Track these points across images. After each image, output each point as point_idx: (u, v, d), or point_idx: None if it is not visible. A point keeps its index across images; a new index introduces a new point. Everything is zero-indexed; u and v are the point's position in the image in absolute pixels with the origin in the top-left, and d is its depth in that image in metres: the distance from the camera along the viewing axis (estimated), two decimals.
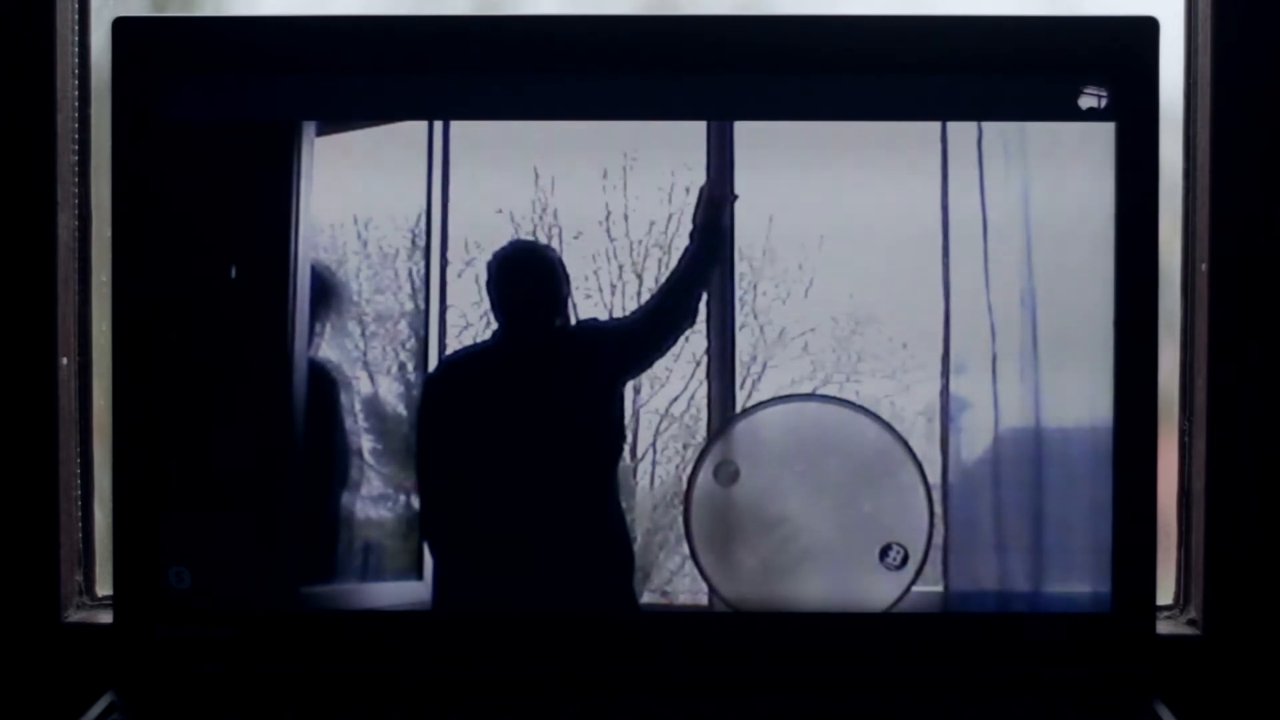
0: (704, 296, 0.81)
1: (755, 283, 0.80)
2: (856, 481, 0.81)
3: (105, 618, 0.85)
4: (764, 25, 0.81)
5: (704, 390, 0.81)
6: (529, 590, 0.81)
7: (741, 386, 0.81)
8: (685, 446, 0.81)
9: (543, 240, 0.81)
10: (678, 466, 0.81)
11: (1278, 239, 0.84)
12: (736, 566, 0.81)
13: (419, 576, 0.82)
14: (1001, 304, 0.80)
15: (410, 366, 0.82)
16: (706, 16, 0.83)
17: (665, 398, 0.81)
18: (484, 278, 0.81)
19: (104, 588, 0.89)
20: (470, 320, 0.81)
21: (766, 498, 0.81)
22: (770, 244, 0.80)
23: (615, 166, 0.80)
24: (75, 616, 0.87)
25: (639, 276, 0.81)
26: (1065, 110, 0.79)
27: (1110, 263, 0.79)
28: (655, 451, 0.81)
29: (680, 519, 0.81)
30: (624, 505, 0.81)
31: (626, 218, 0.81)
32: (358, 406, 0.82)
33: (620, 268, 0.81)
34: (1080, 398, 0.80)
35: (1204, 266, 0.85)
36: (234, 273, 0.80)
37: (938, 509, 0.81)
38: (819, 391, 0.81)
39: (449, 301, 0.81)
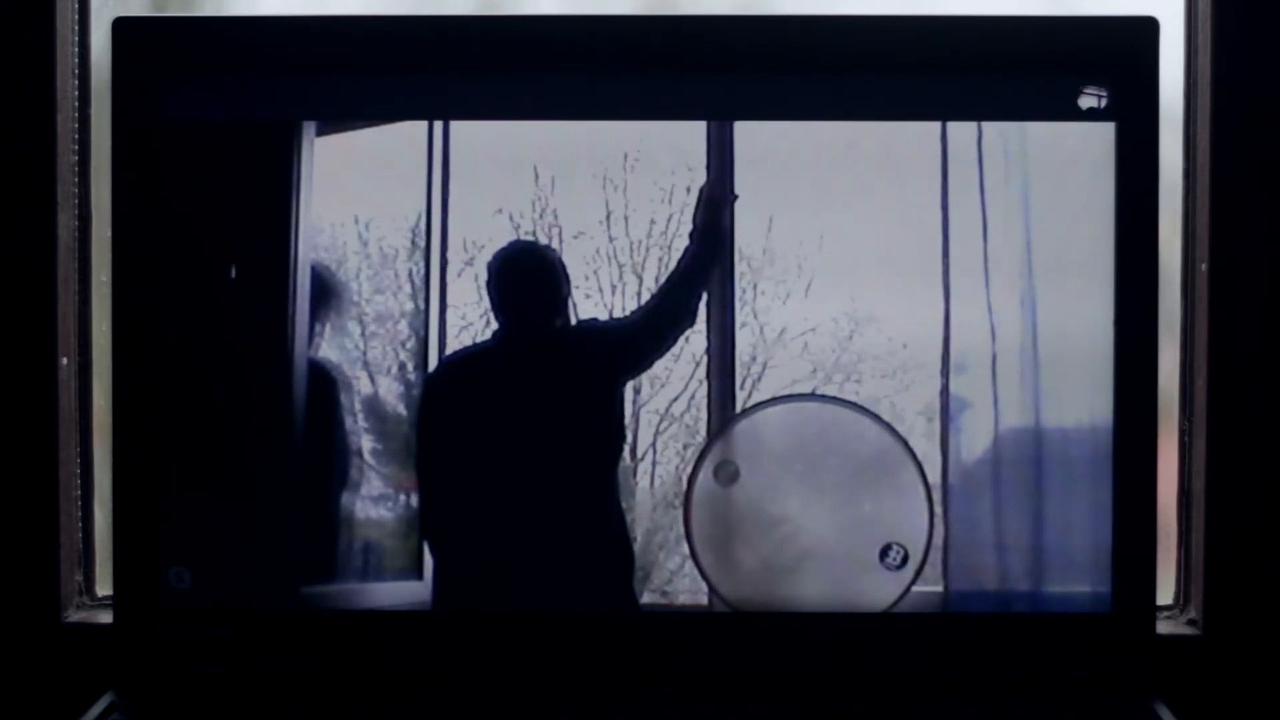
0: (704, 296, 0.81)
1: (755, 283, 0.80)
2: (856, 481, 0.81)
3: (105, 618, 0.85)
4: (764, 25, 0.81)
5: (704, 390, 0.81)
6: (529, 590, 0.81)
7: (741, 386, 0.81)
8: (685, 446, 0.81)
9: (543, 240, 0.81)
10: (678, 466, 0.81)
11: (1278, 239, 0.84)
12: (736, 566, 0.81)
13: (419, 576, 0.82)
14: (1001, 304, 0.80)
15: (410, 366, 0.82)
16: (706, 16, 0.83)
17: (665, 398, 0.81)
18: (484, 278, 0.81)
19: (104, 588, 0.89)
20: (470, 320, 0.81)
21: (766, 498, 0.81)
22: (770, 244, 0.80)
23: (615, 166, 0.80)
24: (75, 616, 0.87)
25: (639, 276, 0.81)
26: (1065, 110, 0.79)
27: (1110, 263, 0.79)
28: (655, 451, 0.81)
29: (680, 519, 0.81)
30: (624, 505, 0.81)
31: (626, 218, 0.81)
32: (358, 406, 0.82)
33: (620, 268, 0.81)
34: (1080, 398, 0.80)
35: (1204, 266, 0.85)
36: (234, 273, 0.80)
37: (938, 509, 0.81)
38: (819, 391, 0.81)
39: (449, 301, 0.81)
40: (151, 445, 0.80)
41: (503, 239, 0.81)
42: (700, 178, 0.80)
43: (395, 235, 0.81)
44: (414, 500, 0.82)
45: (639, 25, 0.81)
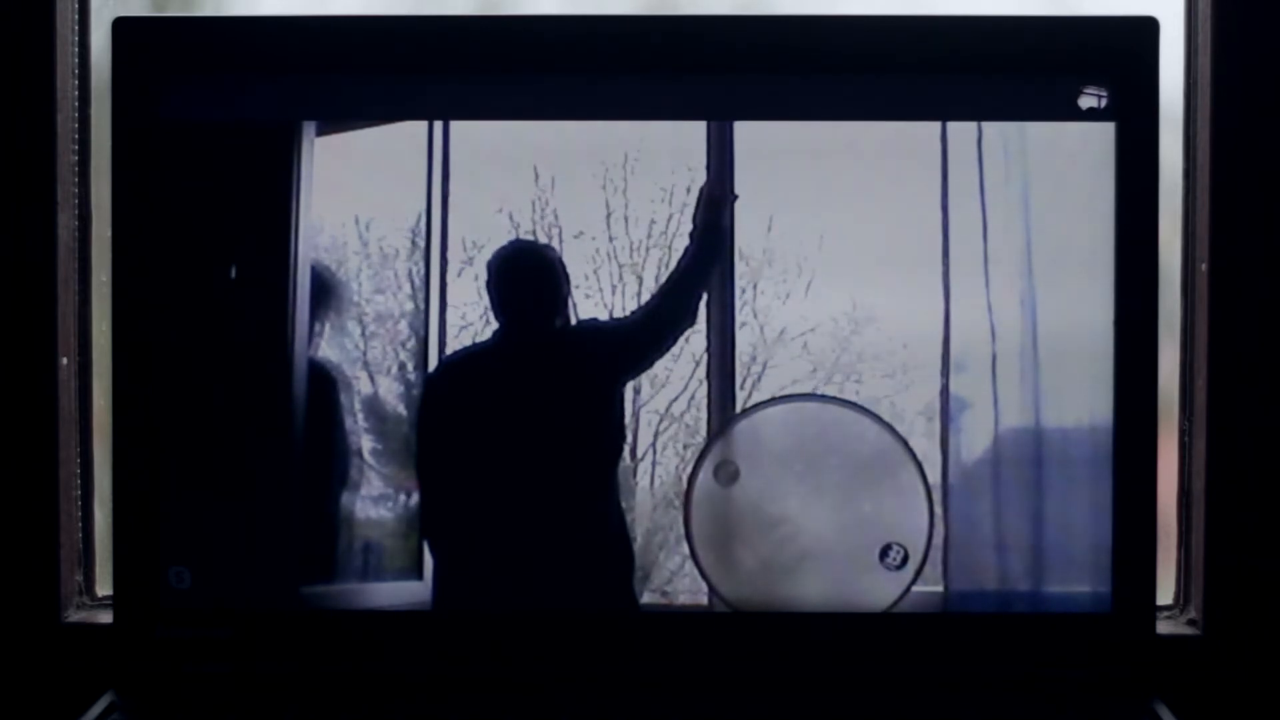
0: (704, 296, 0.81)
1: (755, 283, 0.80)
2: (856, 481, 0.81)
3: (105, 618, 0.85)
4: (764, 25, 0.81)
5: (704, 390, 0.81)
6: (529, 590, 0.81)
7: (741, 386, 0.81)
8: (685, 446, 0.81)
9: (543, 240, 0.81)
10: (678, 466, 0.81)
11: (1278, 239, 0.84)
12: (736, 566, 0.81)
13: (419, 576, 0.82)
14: (1001, 304, 0.80)
15: (410, 366, 0.82)
16: (706, 16, 0.83)
17: (665, 398, 0.81)
18: (484, 278, 0.81)
19: (104, 588, 0.89)
20: (470, 320, 0.81)
21: (766, 498, 0.81)
22: (770, 244, 0.80)
23: (615, 166, 0.80)
24: (75, 616, 0.87)
25: (639, 276, 0.81)
26: (1065, 110, 0.79)
27: (1110, 263, 0.79)
28: (655, 451, 0.81)
29: (680, 519, 0.81)
30: (624, 505, 0.81)
31: (626, 218, 0.81)
32: (358, 406, 0.82)
33: (620, 268, 0.81)
34: (1080, 398, 0.80)
35: (1204, 266, 0.85)
36: (234, 273, 0.80)
37: (938, 509, 0.81)
38: (819, 391, 0.81)
39: (449, 301, 0.81)
40: (151, 445, 0.80)
41: (503, 239, 0.81)
42: (700, 178, 0.80)
43: (395, 235, 0.81)
44: (414, 500, 0.82)
45: (639, 25, 0.81)
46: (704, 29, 0.80)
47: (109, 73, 0.80)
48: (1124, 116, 0.79)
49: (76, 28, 0.87)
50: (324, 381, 0.81)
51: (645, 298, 0.81)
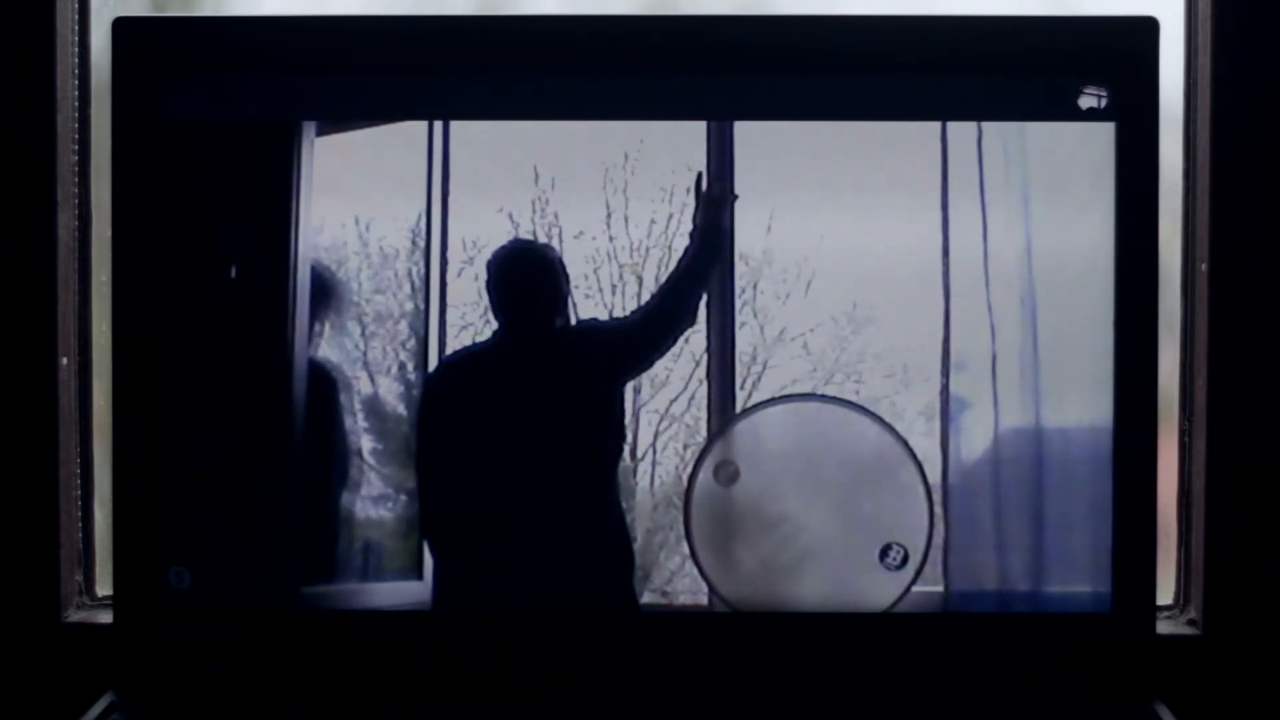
0: (704, 296, 0.81)
1: (755, 282, 0.80)
2: (856, 481, 0.81)
3: (105, 618, 0.85)
4: (764, 25, 0.81)
5: (704, 390, 0.81)
6: (529, 590, 0.81)
7: (741, 386, 0.81)
8: (685, 446, 0.81)
9: (543, 240, 0.81)
10: (678, 466, 0.81)
11: (1278, 239, 0.84)
12: (736, 566, 0.81)
13: (419, 576, 0.82)
14: (1001, 304, 0.80)
15: (410, 366, 0.82)
16: (706, 16, 0.83)
17: (665, 398, 0.81)
18: (484, 278, 0.81)
19: (104, 588, 0.89)
20: (470, 320, 0.81)
21: (766, 498, 0.81)
22: (770, 244, 0.80)
23: (615, 166, 0.80)
24: (75, 616, 0.87)
25: (639, 276, 0.81)
26: (1065, 110, 0.79)
27: (1110, 263, 0.79)
28: (655, 451, 0.81)
29: (680, 519, 0.81)
30: (624, 505, 0.81)
31: (626, 218, 0.81)
32: (358, 406, 0.82)
33: (620, 268, 0.81)
34: (1080, 398, 0.80)
35: (1204, 266, 0.85)
36: (234, 273, 0.80)
37: (938, 509, 0.81)
38: (819, 391, 0.81)
39: (449, 301, 0.81)
40: (151, 445, 0.80)
41: (503, 239, 0.81)
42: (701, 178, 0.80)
43: (395, 235, 0.81)
44: (414, 500, 0.82)
45: (639, 25, 0.81)
46: (704, 29, 0.80)
47: (109, 73, 0.80)
48: (1124, 116, 0.79)
49: (76, 28, 0.87)
50: (324, 381, 0.81)
51: (645, 298, 0.81)
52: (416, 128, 0.80)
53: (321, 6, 0.88)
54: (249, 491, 0.80)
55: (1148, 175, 0.79)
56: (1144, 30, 0.79)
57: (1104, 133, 0.79)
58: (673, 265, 0.81)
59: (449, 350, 0.81)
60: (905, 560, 0.81)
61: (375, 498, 0.82)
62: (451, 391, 0.82)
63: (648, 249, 0.81)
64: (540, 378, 0.82)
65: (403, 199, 0.81)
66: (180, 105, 0.80)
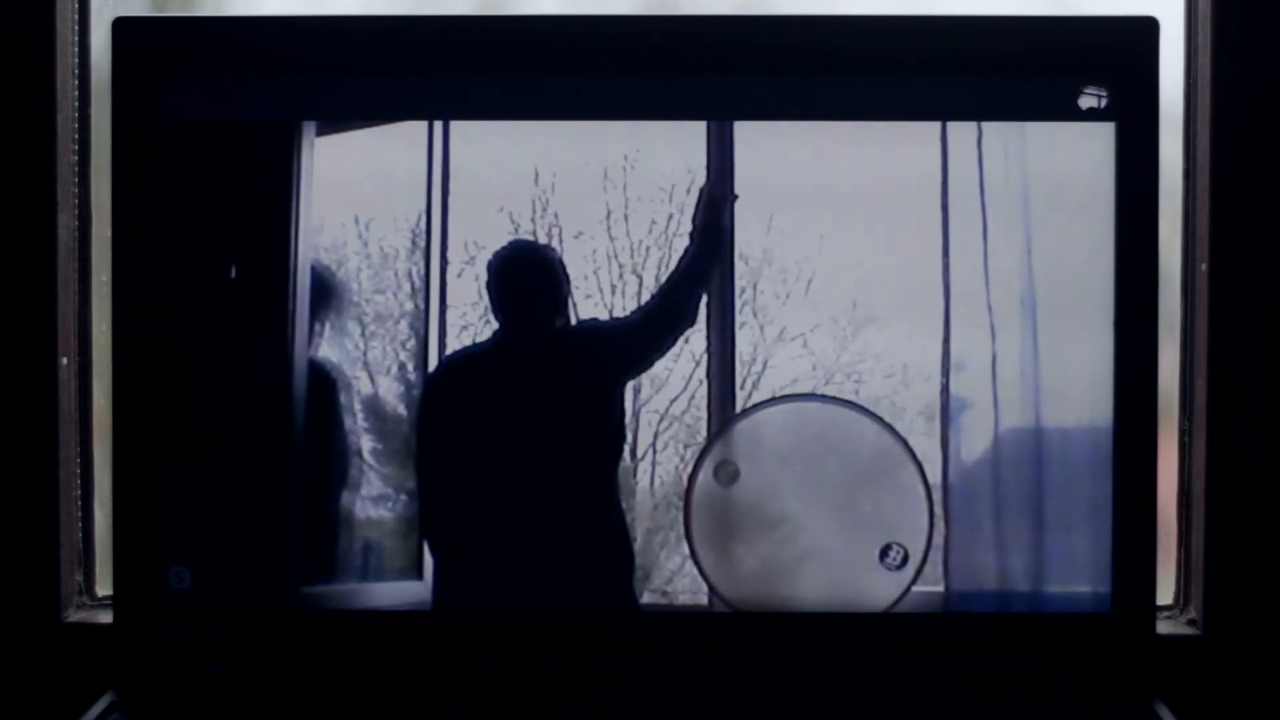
0: (704, 296, 0.81)
1: (755, 283, 0.80)
2: (856, 481, 0.81)
3: (105, 618, 0.85)
4: (764, 25, 0.81)
5: (704, 390, 0.81)
6: (529, 590, 0.81)
7: (741, 386, 0.81)
8: (685, 446, 0.81)
9: (543, 240, 0.81)
10: (678, 466, 0.81)
11: (1278, 239, 0.84)
12: (736, 566, 0.81)
13: (419, 576, 0.82)
14: (1001, 304, 0.80)
15: (410, 366, 0.82)
16: (706, 16, 0.83)
17: (665, 398, 0.81)
18: (484, 278, 0.81)
19: (104, 588, 0.89)
20: (470, 320, 0.81)
21: (766, 498, 0.81)
22: (770, 244, 0.80)
23: (615, 166, 0.80)
24: (75, 616, 0.87)
25: (639, 276, 0.81)
26: (1065, 110, 0.79)
27: (1110, 263, 0.79)
28: (655, 451, 0.81)
29: (680, 519, 0.81)
30: (624, 505, 0.81)
31: (626, 218, 0.81)
32: (358, 406, 0.82)
33: (620, 268, 0.81)
34: (1080, 398, 0.80)
35: (1204, 266, 0.85)
36: (234, 273, 0.80)
37: (938, 509, 0.81)
38: (819, 391, 0.81)
39: (449, 301, 0.81)
40: (151, 445, 0.80)
41: (503, 239, 0.81)
42: (700, 178, 0.80)
43: (395, 235, 0.81)
44: (414, 500, 0.82)
45: (639, 25, 0.81)
46: (704, 29, 0.80)
47: (109, 73, 0.80)
48: (1124, 116, 0.79)
49: (76, 28, 0.87)
50: (324, 381, 0.81)
51: (645, 298, 0.81)
52: (416, 128, 0.80)
53: (321, 6, 0.88)
54: (249, 491, 0.80)
55: (1148, 175, 0.79)
56: (1144, 30, 0.79)
57: (1104, 133, 0.79)
58: (673, 265, 0.81)
59: (449, 350, 0.81)
60: (905, 560, 0.81)
61: (375, 498, 0.82)
62: (451, 391, 0.82)
63: (648, 249, 0.81)
64: (540, 378, 0.82)
65: (403, 199, 0.81)
66: (180, 105, 0.80)
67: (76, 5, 0.87)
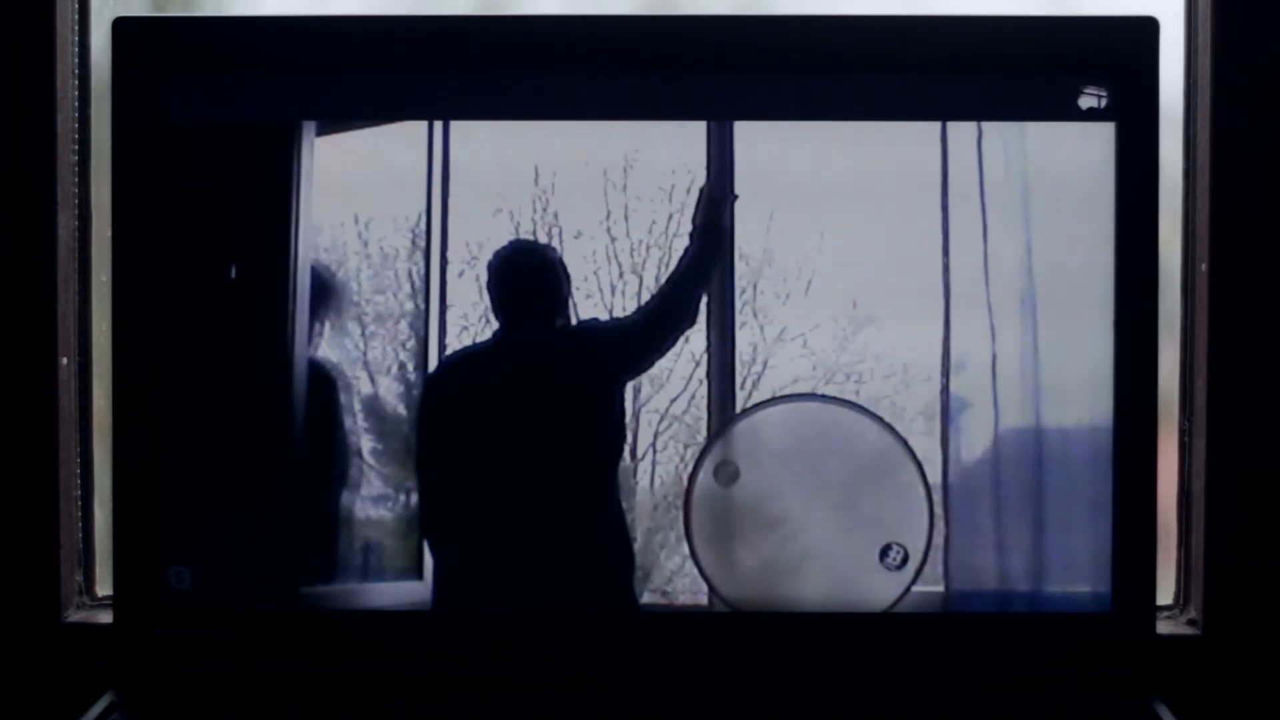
0: (704, 296, 0.81)
1: (755, 283, 0.80)
2: (856, 481, 0.81)
3: (105, 618, 0.85)
4: (764, 25, 0.81)
5: (704, 390, 0.81)
6: (529, 590, 0.81)
7: (741, 386, 0.81)
8: (685, 446, 0.81)
9: (543, 240, 0.81)
10: (678, 466, 0.81)
11: (1278, 239, 0.84)
12: (736, 566, 0.81)
13: (419, 576, 0.82)
14: (1001, 304, 0.80)
15: (410, 366, 0.82)
16: (706, 16, 0.83)
17: (665, 398, 0.81)
18: (484, 278, 0.81)
19: (104, 588, 0.89)
20: (470, 320, 0.81)
21: (766, 498, 0.81)
22: (770, 244, 0.80)
23: (615, 166, 0.80)
24: (75, 616, 0.87)
25: (639, 276, 0.81)
26: (1065, 110, 0.79)
27: (1110, 263, 0.79)
28: (655, 451, 0.81)
29: (680, 519, 0.81)
30: (624, 505, 0.81)
31: (627, 218, 0.81)
32: (358, 406, 0.82)
33: (620, 268, 0.81)
34: (1080, 398, 0.80)
35: (1204, 266, 0.85)
36: (234, 273, 0.80)
37: (938, 509, 0.81)
38: (819, 391, 0.81)
39: (449, 301, 0.81)
40: (151, 445, 0.80)
41: (503, 239, 0.81)
42: (700, 178, 0.80)
43: (395, 235, 0.81)
44: (414, 500, 0.82)
45: (639, 25, 0.81)
46: (704, 29, 0.80)
47: (109, 73, 0.80)
48: (1124, 116, 0.79)
49: (76, 28, 0.87)
50: (324, 381, 0.81)
51: (645, 298, 0.81)
52: (416, 128, 0.80)
53: (321, 6, 0.88)
54: (249, 492, 0.80)
55: (1148, 175, 0.79)
56: (1144, 30, 0.79)
57: (1104, 133, 0.79)
58: (673, 265, 0.81)
59: (449, 350, 0.81)
60: (905, 560, 0.81)
61: (375, 498, 0.82)
62: (451, 392, 0.82)
63: (648, 249, 0.81)
64: (540, 378, 0.82)
65: (403, 199, 0.81)
66: (180, 105, 0.80)
67: (76, 5, 0.87)
